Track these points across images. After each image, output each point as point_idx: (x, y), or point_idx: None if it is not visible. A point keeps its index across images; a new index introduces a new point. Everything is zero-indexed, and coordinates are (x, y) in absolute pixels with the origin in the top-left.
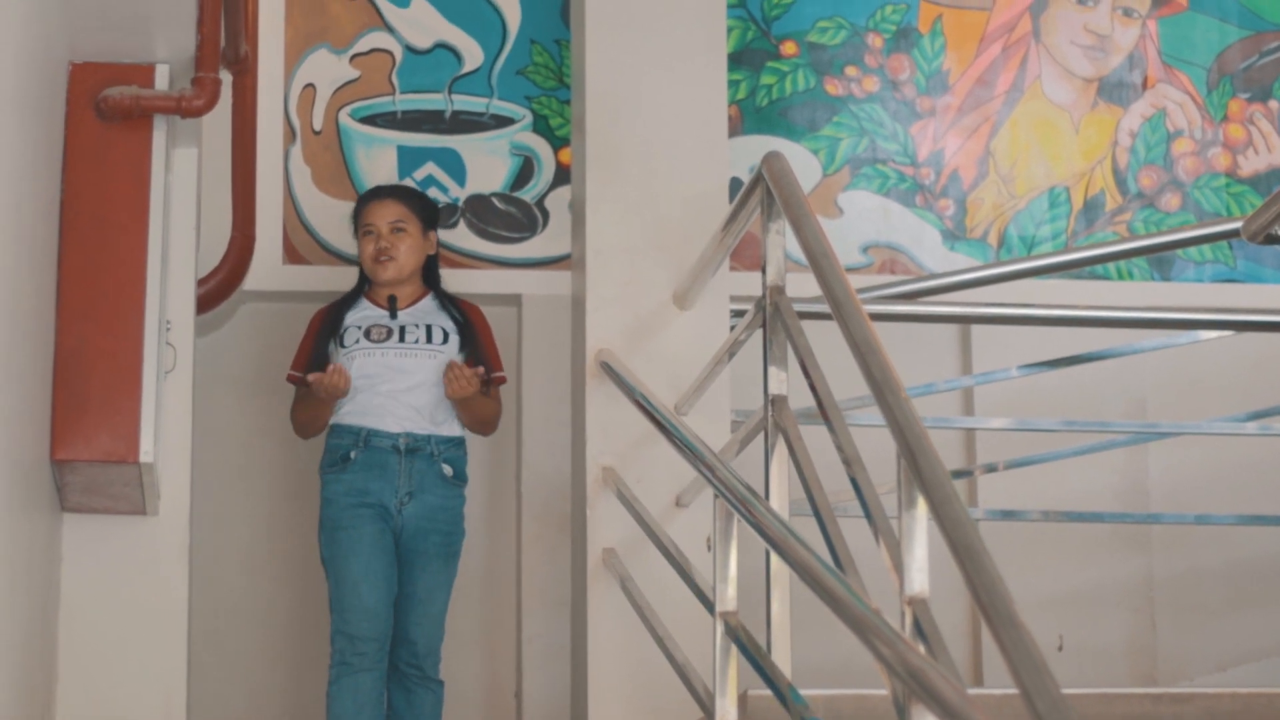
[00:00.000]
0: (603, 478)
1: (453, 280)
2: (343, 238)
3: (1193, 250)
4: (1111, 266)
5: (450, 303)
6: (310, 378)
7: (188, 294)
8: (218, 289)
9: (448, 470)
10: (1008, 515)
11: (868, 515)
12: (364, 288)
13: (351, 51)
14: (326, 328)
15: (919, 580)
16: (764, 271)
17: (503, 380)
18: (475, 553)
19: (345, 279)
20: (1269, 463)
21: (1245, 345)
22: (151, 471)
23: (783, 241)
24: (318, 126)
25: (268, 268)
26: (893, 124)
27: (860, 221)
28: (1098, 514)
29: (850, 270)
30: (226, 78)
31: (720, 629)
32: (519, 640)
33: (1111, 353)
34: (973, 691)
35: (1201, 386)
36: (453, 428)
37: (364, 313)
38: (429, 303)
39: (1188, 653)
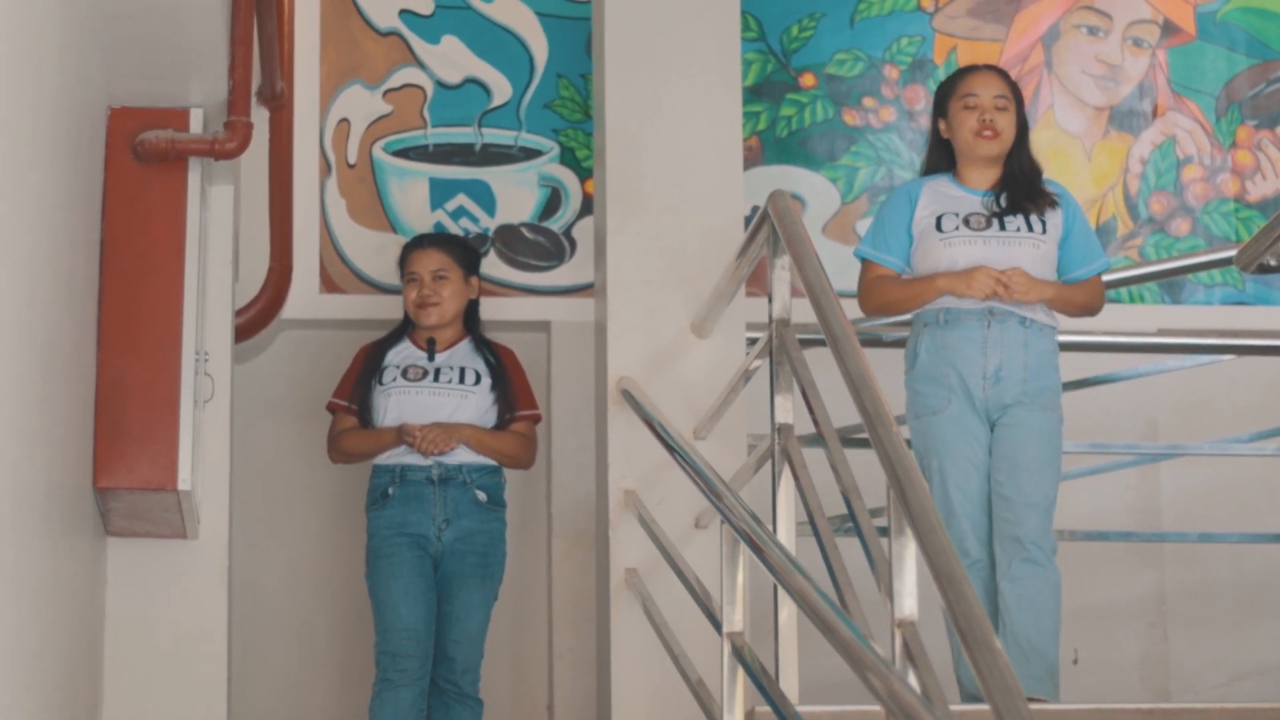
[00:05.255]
0: (624, 500)
1: (483, 308)
2: (377, 267)
3: (1203, 274)
4: (1123, 290)
5: (486, 346)
6: (404, 432)
7: (225, 326)
8: (257, 317)
9: (482, 496)
10: None
11: (863, 543)
12: (408, 328)
13: (384, 87)
14: (369, 365)
15: (908, 604)
16: (770, 304)
17: (534, 419)
18: (507, 570)
19: (380, 307)
20: (1278, 480)
21: (1255, 366)
22: (190, 498)
23: (788, 276)
24: (352, 160)
25: (305, 297)
26: (909, 153)
27: None
28: (1104, 533)
29: None
30: (263, 114)
31: (728, 649)
32: (550, 655)
33: (1124, 375)
34: (963, 708)
35: (1212, 406)
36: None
37: (404, 353)
38: (466, 345)
39: (1199, 666)
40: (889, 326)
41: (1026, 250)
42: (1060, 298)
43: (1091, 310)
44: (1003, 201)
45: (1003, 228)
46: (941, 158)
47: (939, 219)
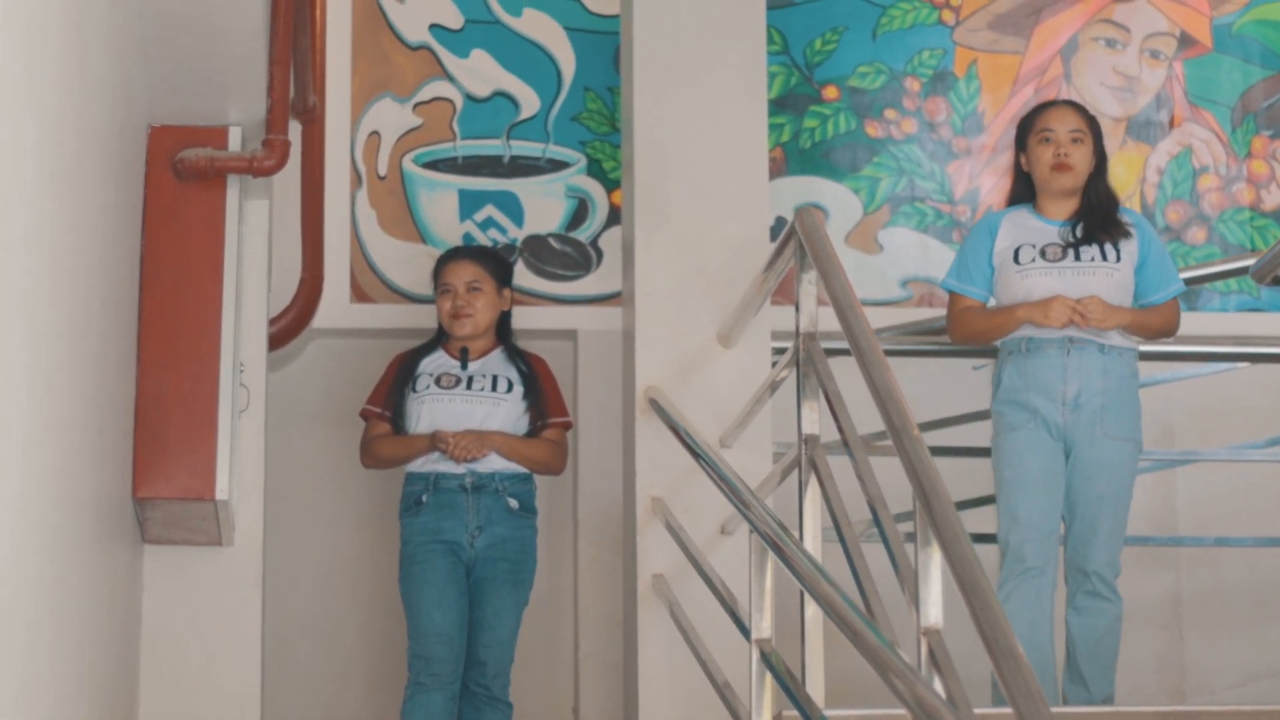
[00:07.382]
0: (652, 508)
1: (512, 317)
2: (407, 277)
3: (1219, 282)
4: None
5: (518, 355)
6: (438, 438)
7: (260, 337)
8: (289, 327)
9: (513, 504)
10: None
11: (889, 551)
12: (442, 338)
13: (414, 100)
14: (403, 373)
15: (934, 613)
16: (797, 316)
17: (565, 426)
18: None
19: (409, 317)
20: None
21: (1270, 373)
22: (227, 507)
23: (815, 291)
24: (382, 172)
25: (336, 306)
26: (930, 164)
27: (900, 257)
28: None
29: (890, 304)
30: (296, 127)
31: (756, 655)
32: (576, 659)
33: (1141, 382)
34: (987, 711)
35: (1227, 413)
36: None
37: (438, 362)
38: (499, 355)
39: (1214, 667)
40: (916, 335)
41: (1101, 280)
42: (1136, 323)
43: (1168, 332)
44: (1079, 232)
45: (1078, 258)
46: (1023, 190)
47: (1016, 251)
